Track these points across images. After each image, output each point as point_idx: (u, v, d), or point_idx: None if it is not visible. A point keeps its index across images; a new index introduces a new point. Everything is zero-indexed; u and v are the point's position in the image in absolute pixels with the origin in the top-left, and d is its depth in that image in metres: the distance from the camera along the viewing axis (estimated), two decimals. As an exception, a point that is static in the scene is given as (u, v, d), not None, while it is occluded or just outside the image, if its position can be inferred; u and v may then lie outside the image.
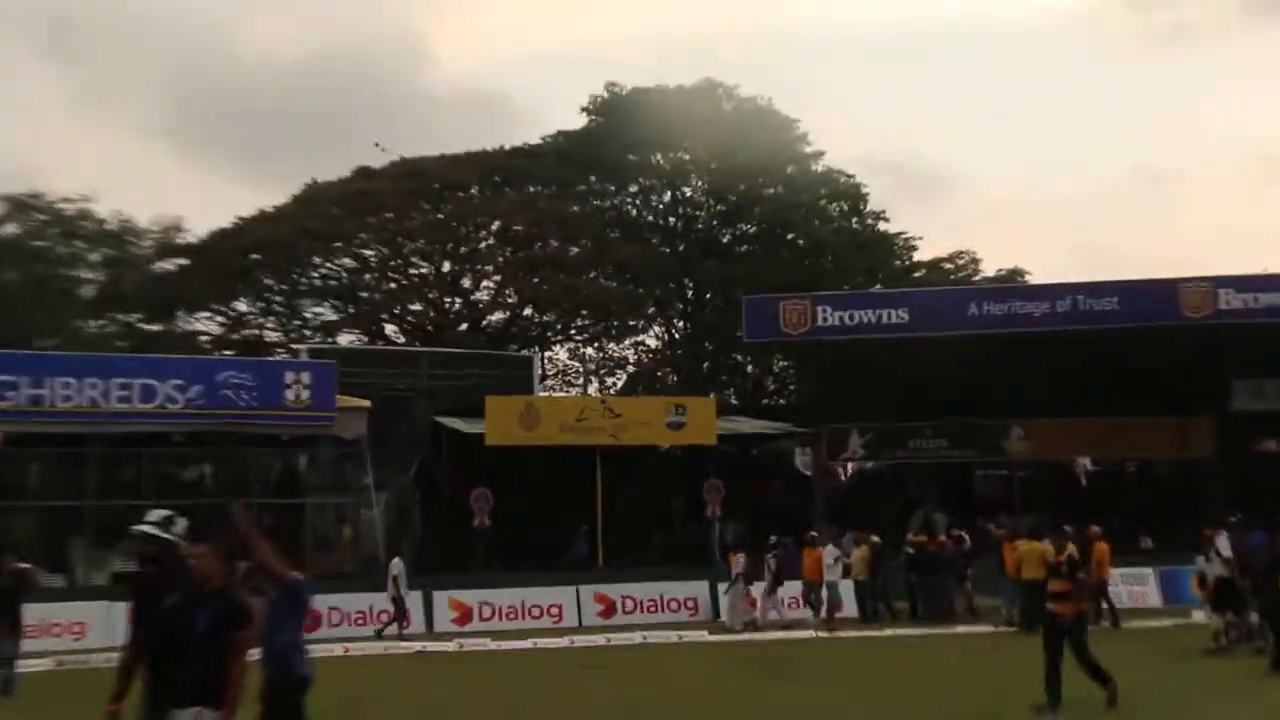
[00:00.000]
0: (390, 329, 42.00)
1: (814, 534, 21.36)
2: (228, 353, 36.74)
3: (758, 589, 21.42)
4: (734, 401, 40.42)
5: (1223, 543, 15.95)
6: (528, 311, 42.62)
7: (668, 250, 42.81)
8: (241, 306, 39.81)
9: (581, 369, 44.10)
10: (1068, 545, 11.04)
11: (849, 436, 27.83)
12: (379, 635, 20.25)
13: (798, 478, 31.41)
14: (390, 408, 26.63)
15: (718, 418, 26.56)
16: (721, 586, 22.46)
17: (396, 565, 20.55)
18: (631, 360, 45.04)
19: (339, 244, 38.97)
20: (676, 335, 45.79)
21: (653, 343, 45.90)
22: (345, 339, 39.83)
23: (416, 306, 40.97)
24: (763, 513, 29.55)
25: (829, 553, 21.51)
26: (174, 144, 71.44)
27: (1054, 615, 10.71)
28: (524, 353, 38.98)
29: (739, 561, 21.51)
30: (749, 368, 46.20)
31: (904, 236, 45.38)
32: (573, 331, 44.94)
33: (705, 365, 43.76)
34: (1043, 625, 10.98)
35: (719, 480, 26.07)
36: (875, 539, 22.00)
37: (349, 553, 25.05)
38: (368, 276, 40.51)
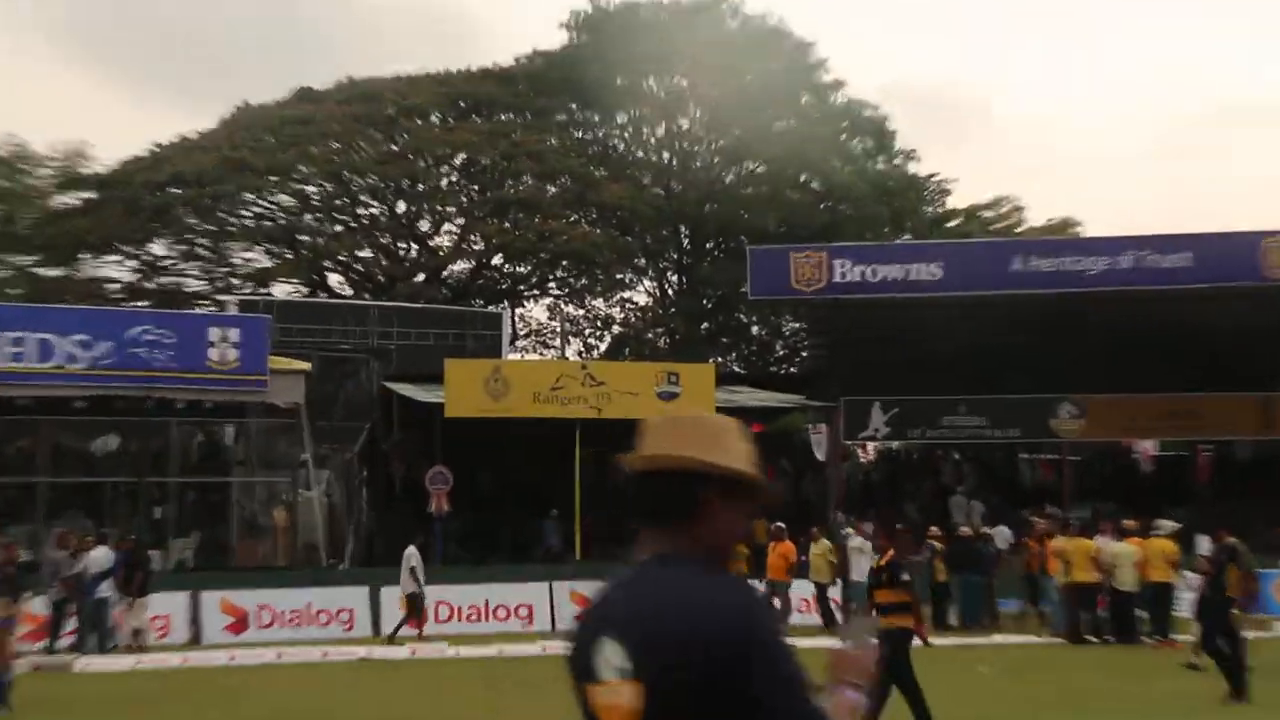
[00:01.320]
0: (334, 279, 41.92)
1: (780, 525, 21.18)
2: (141, 304, 36.58)
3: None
4: (736, 369, 40.51)
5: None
6: (496, 261, 42.80)
7: (661, 192, 42.77)
8: (158, 250, 39.74)
9: (559, 329, 44.19)
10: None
11: (870, 411, 27.82)
12: (390, 639, 20.01)
13: (809, 459, 31.60)
14: (333, 371, 26.74)
15: (716, 388, 26.46)
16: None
17: (413, 555, 20.32)
18: (618, 320, 45.30)
19: (274, 178, 38.74)
20: (670, 291, 45.79)
21: (642, 300, 46.20)
22: (281, 290, 39.79)
23: (365, 253, 40.96)
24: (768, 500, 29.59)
25: (854, 543, 21.32)
26: (77, 53, 69.97)
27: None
28: (491, 309, 39.06)
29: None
30: (754, 330, 46.55)
31: (936, 179, 45.65)
32: (549, 285, 45.23)
33: (703, 327, 43.84)
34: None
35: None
36: (865, 529, 21.64)
37: (283, 540, 24.98)
38: (308, 217, 40.38)
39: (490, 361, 26.69)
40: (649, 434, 2.66)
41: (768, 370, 42.99)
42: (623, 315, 45.54)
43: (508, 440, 26.42)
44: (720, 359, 42.46)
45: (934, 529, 22.50)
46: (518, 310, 45.13)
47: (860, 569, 20.83)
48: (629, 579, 2.54)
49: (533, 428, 25.48)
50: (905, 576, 11.05)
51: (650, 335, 44.37)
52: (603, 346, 45.09)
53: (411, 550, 20.37)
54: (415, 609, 20.23)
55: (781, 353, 46.24)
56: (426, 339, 30.36)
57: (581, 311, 45.87)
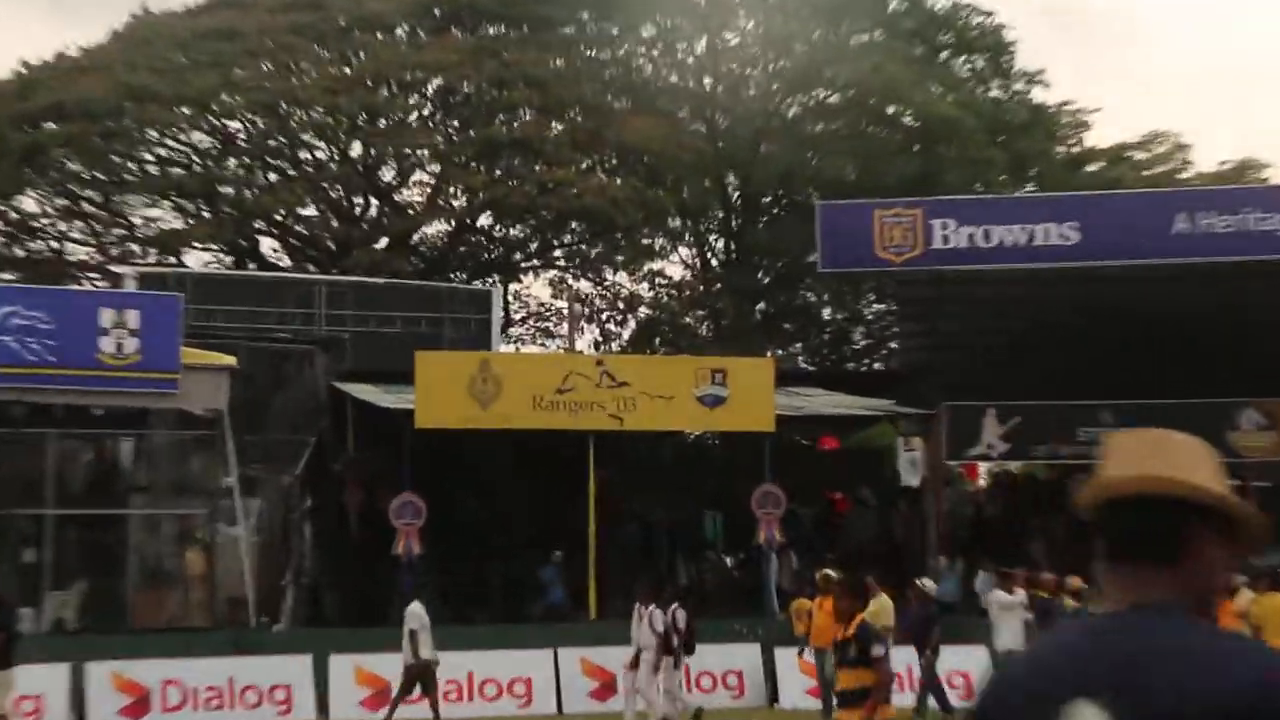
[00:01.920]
0: (268, 245, 42.13)
1: (829, 573, 21.32)
2: (6, 277, 36.72)
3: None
4: (803, 365, 40.55)
5: None
6: (484, 222, 42.96)
7: (702, 129, 42.81)
8: (29, 205, 39.96)
9: (567, 312, 44.15)
10: None
11: (982, 422, 27.77)
12: None
13: (899, 486, 31.65)
14: (267, 368, 26.63)
15: (776, 389, 26.48)
16: (784, 652, 22.61)
17: (416, 615, 20.38)
18: (645, 300, 45.42)
19: (187, 111, 38.85)
20: (714, 262, 45.82)
21: (677, 273, 46.25)
22: (197, 260, 40.00)
23: (310, 211, 41.14)
24: (843, 539, 29.69)
25: (998, 598, 21.72)
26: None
27: None
28: (478, 285, 39.06)
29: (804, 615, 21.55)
30: (825, 314, 46.57)
31: (1071, 110, 45.65)
32: (554, 254, 45.41)
33: (758, 309, 43.95)
34: None
35: (777, 487, 25.89)
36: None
37: (198, 593, 25.11)
38: (232, 163, 40.52)
39: (476, 355, 26.80)
40: (1122, 452, 2.83)
41: (843, 366, 42.99)
42: (652, 294, 45.64)
43: (499, 459, 26.48)
44: (780, 351, 42.45)
45: (1074, 580, 22.34)
46: (512, 287, 45.20)
47: (1010, 633, 21.13)
48: (1104, 630, 2.68)
49: (532, 443, 25.54)
50: (879, 650, 11.21)
51: (688, 320, 44.43)
52: (625, 335, 45.21)
53: (414, 609, 20.45)
54: (414, 684, 20.41)
55: (862, 344, 46.25)
56: (391, 324, 30.53)
57: (597, 289, 46.06)
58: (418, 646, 20.13)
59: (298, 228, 41.15)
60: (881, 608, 21.78)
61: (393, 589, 24.49)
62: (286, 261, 41.04)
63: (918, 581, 22.71)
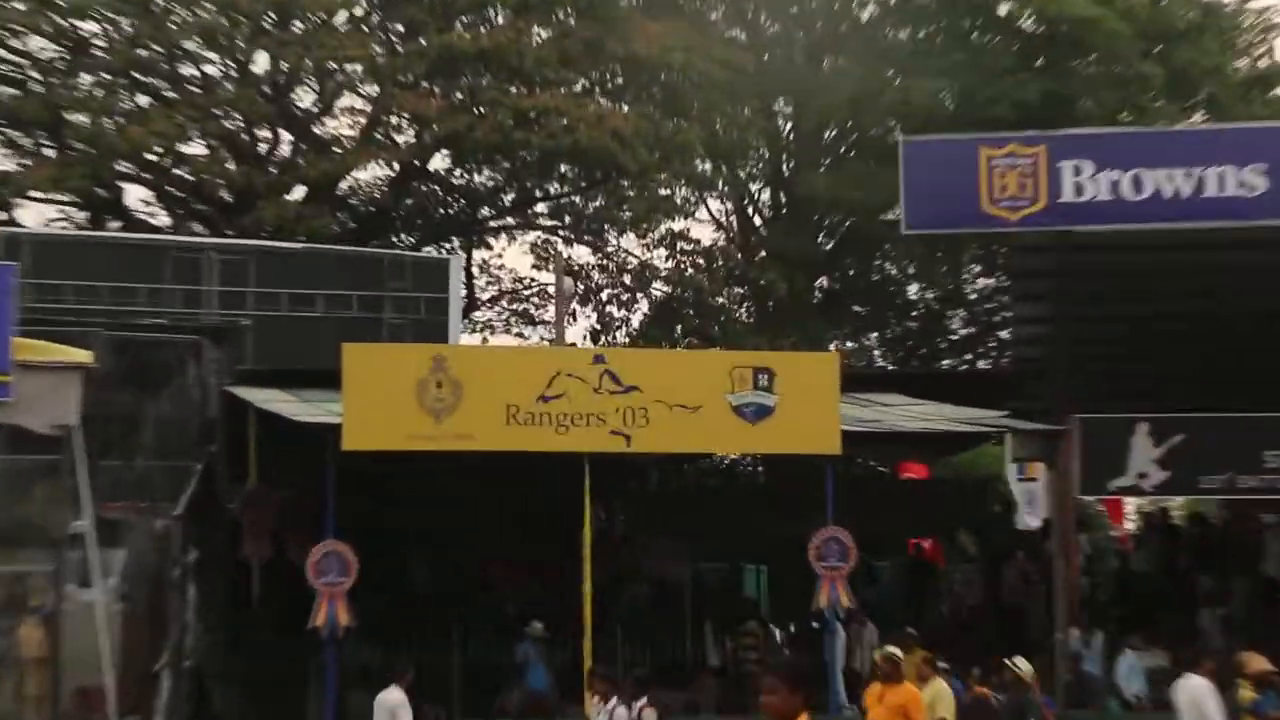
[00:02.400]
0: (137, 195, 42.31)
1: (892, 651, 21.79)
2: None
3: None
4: (880, 362, 40.31)
5: None
6: (439, 164, 43.36)
7: (741, 36, 43.81)
8: None
9: (554, 289, 43.93)
10: None
11: (1130, 441, 27.65)
12: None
13: (1012, 529, 32.11)
14: (135, 367, 26.53)
15: (843, 396, 26.25)
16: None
17: (391, 708, 20.81)
18: (663, 272, 45.61)
19: (20, 5, 39.04)
20: (758, 221, 45.85)
21: (706, 235, 46.48)
22: (36, 215, 40.52)
23: (196, 149, 41.23)
24: (934, 603, 29.32)
25: (1192, 692, 21.27)
26: None
27: None
28: (430, 252, 39.47)
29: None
30: (911, 292, 46.65)
31: (1257, 8, 46.33)
32: (536, 210, 45.85)
33: (817, 285, 44.08)
34: None
35: (844, 533, 25.77)
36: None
37: (35, 680, 25.03)
38: (86, 80, 40.53)
39: (428, 348, 26.51)
40: None
41: (935, 365, 42.90)
42: (671, 264, 45.64)
43: (459, 495, 26.69)
44: (848, 344, 42.33)
45: (1254, 661, 22.31)
46: (479, 255, 45.24)
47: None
48: None
49: (506, 472, 25.68)
50: None
51: (721, 301, 44.56)
52: (634, 321, 45.31)
53: (389, 700, 20.87)
54: None
55: (961, 333, 46.29)
56: (310, 306, 30.82)
57: (596, 258, 46.04)
58: None
59: (178, 171, 40.96)
60: (937, 696, 22.06)
61: (309, 675, 24.52)
62: (164, 218, 40.92)
63: (1009, 662, 22.78)
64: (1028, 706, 22.37)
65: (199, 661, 26.14)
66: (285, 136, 41.77)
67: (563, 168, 42.10)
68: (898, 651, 21.93)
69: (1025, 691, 22.34)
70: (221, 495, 26.87)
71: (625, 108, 40.68)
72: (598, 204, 44.33)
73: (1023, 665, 22.60)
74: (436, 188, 43.68)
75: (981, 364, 42.50)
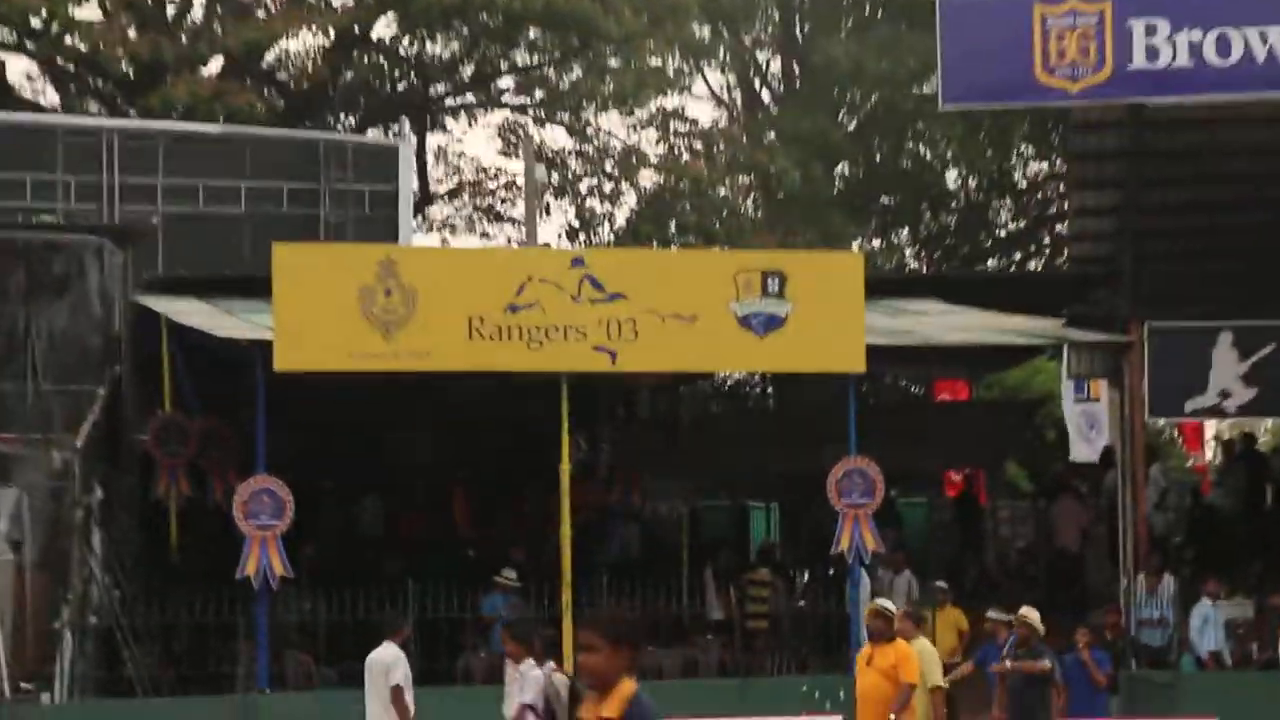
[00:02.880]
0: (18, 68, 42.37)
1: (881, 605, 22.32)
2: None
3: None
4: (913, 264, 40.19)
5: None
6: (383, 31, 43.22)
7: None
8: None
9: (524, 180, 43.62)
10: None
11: (1210, 354, 27.60)
12: None
13: (1067, 458, 32.50)
14: (22, 274, 26.60)
15: (868, 302, 26.33)
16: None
17: (394, 665, 21.10)
18: (653, 159, 45.73)
19: None
20: (766, 96, 45.98)
21: (705, 114, 46.65)
22: None
23: (88, 13, 40.86)
24: (976, 544, 29.43)
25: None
26: None
27: None
28: (374, 136, 39.53)
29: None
30: (950, 179, 47.04)
31: None
32: (501, 85, 46.01)
33: (838, 172, 44.26)
34: None
35: (870, 464, 25.84)
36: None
37: None
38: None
39: (374, 249, 26.74)
40: None
41: (977, 266, 42.79)
42: (663, 149, 45.78)
43: (413, 423, 27.08)
44: (875, 242, 42.21)
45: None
46: (434, 140, 45.03)
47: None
48: None
49: (468, 395, 26.10)
50: None
51: (722, 192, 44.50)
52: (619, 217, 45.37)
53: (392, 657, 21.02)
54: None
55: (1010, 227, 46.18)
56: (231, 201, 30.70)
57: (574, 141, 46.12)
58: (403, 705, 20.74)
59: (70, 41, 40.63)
60: (919, 652, 22.25)
61: (238, 633, 24.59)
62: (52, 97, 40.61)
63: (991, 614, 23.00)
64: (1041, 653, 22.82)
65: (107, 619, 26.00)
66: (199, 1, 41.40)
67: (532, 33, 41.89)
68: (889, 605, 22.22)
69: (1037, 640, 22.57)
70: (130, 425, 26.90)
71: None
72: (574, 77, 44.12)
73: (1030, 614, 22.81)
74: (381, 59, 43.31)
75: (1033, 264, 42.19)
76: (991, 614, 24.26)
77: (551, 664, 21.19)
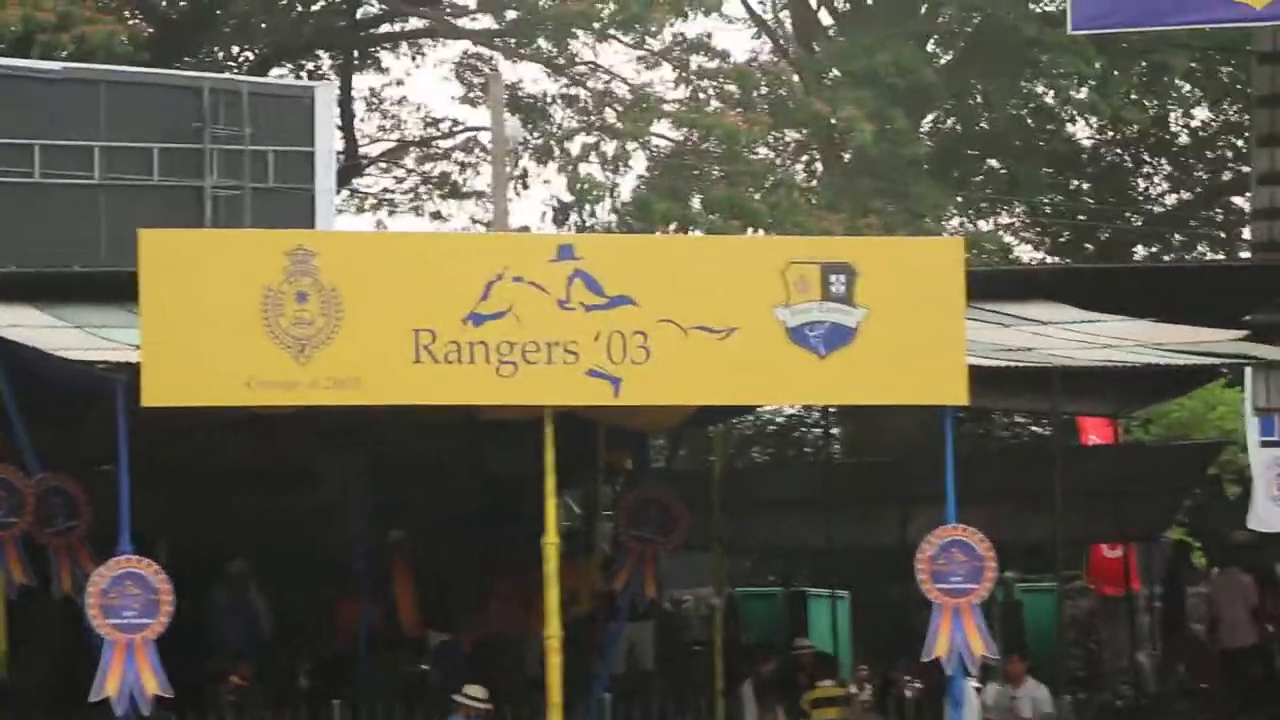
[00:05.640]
0: None
1: None
2: None
3: None
4: (1029, 252, 40.29)
5: None
6: None
7: None
8: None
9: (492, 134, 43.87)
10: None
11: None
12: None
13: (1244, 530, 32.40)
14: None
15: (970, 306, 26.28)
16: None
17: None
18: (669, 106, 46.04)
19: None
20: (827, 12, 47.09)
21: (740, 46, 46.09)
22: None
23: None
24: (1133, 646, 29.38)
25: None
26: None
27: None
28: (281, 77, 40.18)
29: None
30: (1081, 133, 46.76)
31: None
32: (458, 2, 46.58)
33: (925, 126, 44.23)
34: None
35: (969, 536, 25.72)
36: None
37: None
38: None
39: (282, 235, 26.73)
40: None
41: (1121, 255, 42.83)
42: (684, 93, 46.16)
43: (342, 473, 27.76)
44: (975, 224, 42.36)
45: None
46: (363, 81, 45.20)
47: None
48: None
49: (415, 435, 26.76)
50: None
51: (765, 152, 45.16)
52: (624, 188, 45.42)
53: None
54: None
55: (1167, 200, 46.36)
56: (79, 165, 30.90)
57: (559, 83, 46.19)
58: None
59: None
60: None
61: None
62: None
63: None
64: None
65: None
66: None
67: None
68: None
69: None
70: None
71: None
72: None
73: None
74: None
75: (1201, 251, 42.27)
76: None
77: None
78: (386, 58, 45.88)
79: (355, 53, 44.84)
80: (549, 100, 45.82)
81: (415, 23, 45.46)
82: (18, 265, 27.47)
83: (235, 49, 41.55)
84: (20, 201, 29.49)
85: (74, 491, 26.30)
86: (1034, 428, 36.11)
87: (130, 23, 39.78)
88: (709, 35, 45.51)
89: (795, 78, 44.66)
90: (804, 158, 43.96)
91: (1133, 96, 44.53)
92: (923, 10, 44.38)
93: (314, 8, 43.75)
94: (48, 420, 26.15)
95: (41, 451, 26.36)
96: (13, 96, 31.80)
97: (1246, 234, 39.40)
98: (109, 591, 23.59)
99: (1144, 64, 42.60)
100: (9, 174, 30.29)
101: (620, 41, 45.11)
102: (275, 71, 39.96)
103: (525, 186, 44.14)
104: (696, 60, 45.21)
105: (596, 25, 44.31)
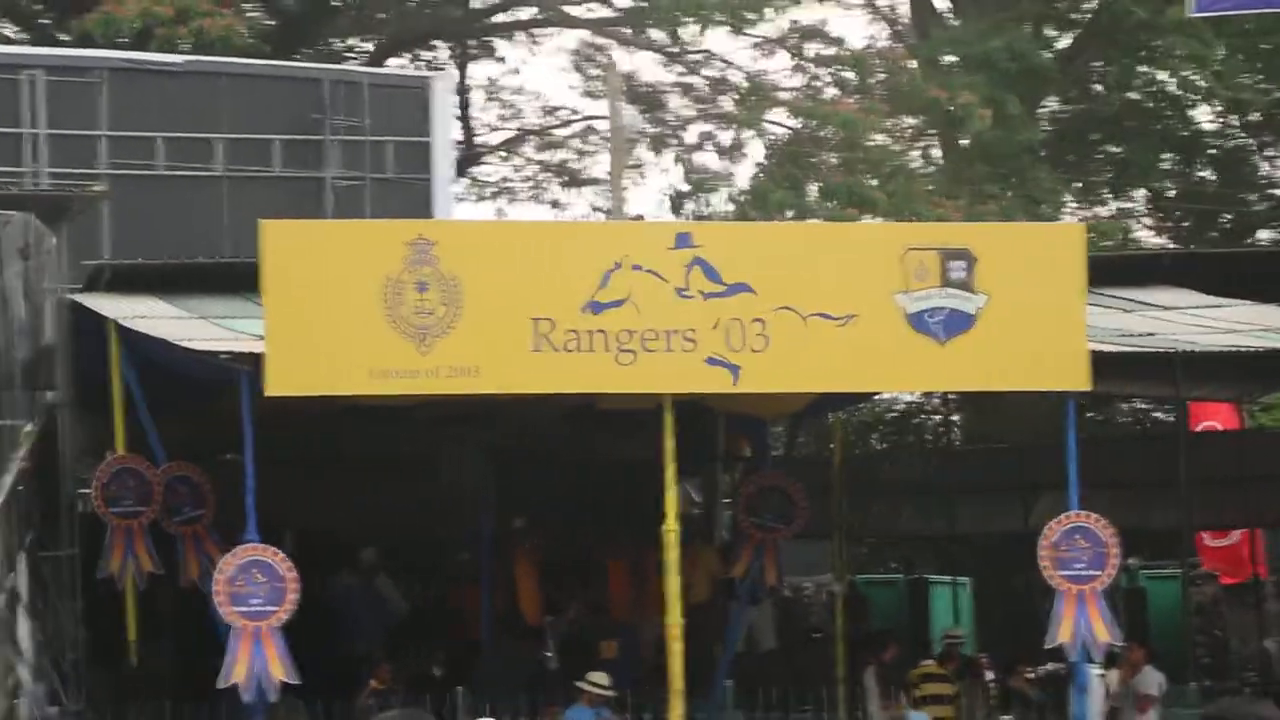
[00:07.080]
0: None
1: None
2: None
3: None
4: (1152, 237, 40.08)
5: None
6: None
7: None
8: None
9: (610, 123, 44.12)
10: None
11: None
12: None
13: None
14: None
15: (1090, 292, 26.30)
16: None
17: None
18: (783, 94, 45.78)
19: None
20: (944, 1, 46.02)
21: (856, 31, 45.96)
22: None
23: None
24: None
25: None
26: None
27: None
28: (399, 67, 40.37)
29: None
30: (1204, 117, 47.10)
31: None
32: None
33: (1043, 111, 44.12)
34: None
35: (1093, 524, 25.72)
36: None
37: None
38: None
39: (402, 225, 26.39)
40: None
41: (1245, 239, 42.72)
42: (800, 81, 46.07)
43: (460, 461, 27.79)
44: (1096, 211, 42.26)
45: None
46: (480, 71, 45.22)
47: None
48: None
49: (536, 424, 26.67)
50: None
51: (884, 139, 44.64)
52: (741, 177, 45.22)
53: None
54: None
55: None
56: (201, 158, 31.01)
57: (675, 71, 46.21)
58: None
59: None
60: None
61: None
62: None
63: None
64: None
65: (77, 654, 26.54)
66: None
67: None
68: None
69: None
70: (68, 475, 27.09)
71: None
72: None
73: None
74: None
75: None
76: None
77: None
78: (503, 47, 45.81)
79: (472, 42, 44.81)
80: (664, 88, 45.74)
81: (530, 12, 45.40)
82: (143, 258, 27.32)
83: (353, 40, 41.61)
84: (144, 194, 29.49)
85: (199, 481, 26.45)
86: (1156, 414, 35.92)
87: (248, 15, 39.84)
88: (824, 21, 45.42)
89: (913, 63, 44.59)
90: (920, 144, 43.77)
91: (1255, 80, 44.31)
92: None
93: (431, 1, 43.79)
94: (174, 410, 26.21)
95: (167, 441, 26.49)
96: (135, 90, 31.93)
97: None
98: (236, 579, 23.71)
99: (1265, 46, 42.33)
100: (132, 167, 30.41)
101: (734, 29, 44.98)
102: (393, 62, 40.06)
103: (642, 176, 44.09)
104: (812, 48, 45.12)
105: (711, 15, 44.28)
